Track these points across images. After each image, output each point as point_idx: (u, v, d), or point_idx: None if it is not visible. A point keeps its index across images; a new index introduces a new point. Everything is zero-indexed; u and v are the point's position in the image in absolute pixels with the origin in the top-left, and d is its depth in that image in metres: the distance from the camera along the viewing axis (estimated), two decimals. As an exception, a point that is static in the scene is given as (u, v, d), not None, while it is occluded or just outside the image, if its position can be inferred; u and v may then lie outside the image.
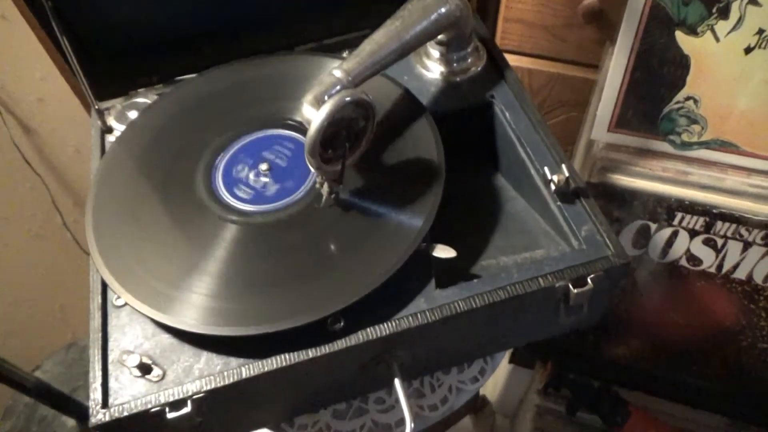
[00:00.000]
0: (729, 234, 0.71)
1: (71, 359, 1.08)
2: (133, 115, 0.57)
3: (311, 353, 0.41)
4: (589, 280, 0.43)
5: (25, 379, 0.88)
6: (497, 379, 1.18)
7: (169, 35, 0.61)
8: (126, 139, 0.54)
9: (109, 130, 0.57)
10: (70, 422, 0.98)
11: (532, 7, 0.85)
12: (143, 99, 0.58)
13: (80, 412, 0.96)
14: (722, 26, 0.61)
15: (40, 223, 1.21)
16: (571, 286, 0.42)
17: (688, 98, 0.67)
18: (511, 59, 0.89)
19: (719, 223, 0.70)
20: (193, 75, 0.59)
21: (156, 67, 0.61)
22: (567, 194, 0.47)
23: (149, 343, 0.43)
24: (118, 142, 0.54)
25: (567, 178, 0.45)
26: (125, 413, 0.40)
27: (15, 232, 1.18)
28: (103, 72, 0.60)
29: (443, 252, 0.44)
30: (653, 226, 0.73)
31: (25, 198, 1.17)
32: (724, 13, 0.60)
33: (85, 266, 0.46)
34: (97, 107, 0.58)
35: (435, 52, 0.57)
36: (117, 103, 0.59)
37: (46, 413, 0.99)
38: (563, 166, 0.47)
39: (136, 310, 0.42)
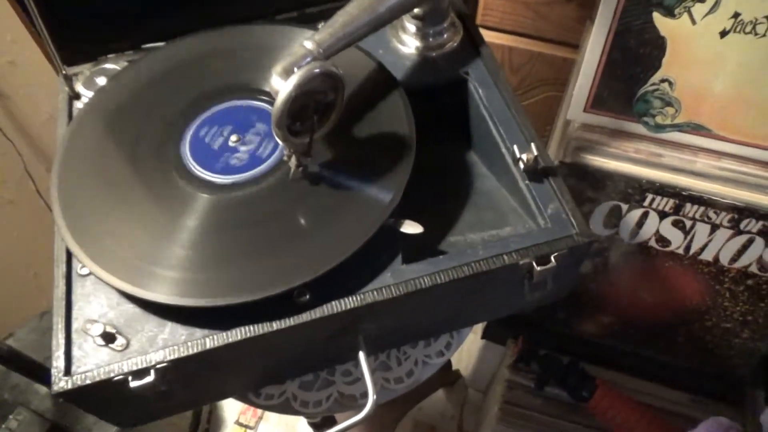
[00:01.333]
0: (697, 216, 0.72)
1: (45, 327, 1.07)
2: (101, 81, 0.55)
3: (276, 325, 0.41)
4: (552, 258, 0.43)
5: (-2, 348, 0.88)
6: (470, 354, 1.20)
7: (141, 0, 0.59)
8: (93, 106, 0.53)
9: (77, 96, 0.56)
10: (43, 389, 0.98)
11: (515, -17, 0.84)
12: (112, 65, 0.57)
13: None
14: (699, 9, 0.61)
15: (13, 190, 1.19)
16: (534, 264, 0.43)
17: (663, 80, 0.68)
18: (492, 36, 0.89)
19: (688, 206, 0.71)
20: (164, 42, 0.58)
21: (126, 33, 0.59)
22: (535, 173, 0.47)
23: (114, 312, 0.43)
24: (86, 109, 0.53)
25: (536, 157, 0.46)
26: (88, 381, 0.40)
27: (-13, 198, 1.16)
28: (72, 36, 0.58)
29: (410, 227, 0.44)
30: (624, 207, 0.74)
31: (-4, 164, 1.14)
32: (701, -5, 0.60)
33: None
34: (64, 72, 0.56)
35: (411, 26, 0.57)
36: (85, 68, 0.57)
37: (18, 381, 0.99)
38: (532, 144, 0.47)
39: (101, 279, 0.42)
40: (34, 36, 0.96)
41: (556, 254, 0.43)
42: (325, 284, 0.42)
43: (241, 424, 1.27)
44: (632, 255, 0.80)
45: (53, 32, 0.54)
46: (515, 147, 0.47)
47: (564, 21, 0.86)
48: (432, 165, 0.50)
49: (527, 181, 0.47)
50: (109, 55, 0.59)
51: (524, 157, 0.46)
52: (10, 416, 0.94)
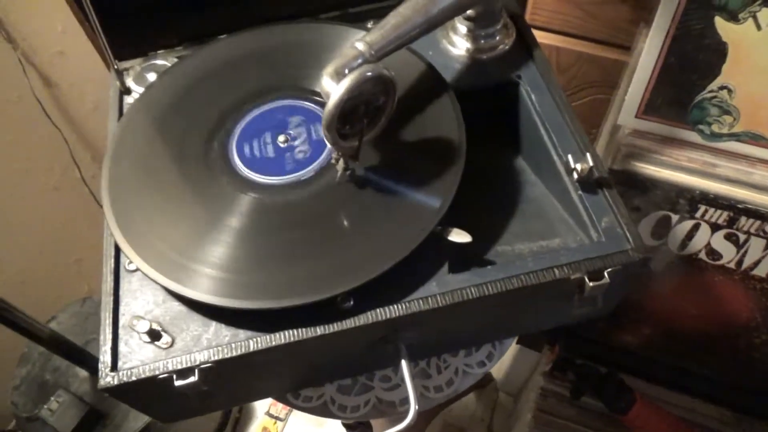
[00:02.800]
0: (752, 230, 0.69)
1: (86, 312, 1.10)
2: (152, 77, 0.56)
3: (319, 330, 0.40)
4: (605, 274, 0.42)
5: (40, 330, 0.90)
6: (504, 357, 1.19)
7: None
8: (144, 102, 0.53)
9: (128, 91, 0.56)
10: (83, 373, 1.01)
11: (566, -18, 0.82)
12: (162, 61, 0.57)
13: (92, 365, 0.98)
14: (765, 14, 0.58)
15: (58, 177, 1.21)
16: (586, 279, 0.42)
17: (722, 87, 0.65)
18: (540, 36, 0.87)
19: (743, 219, 0.68)
20: (214, 39, 0.57)
21: (178, 29, 0.60)
22: (589, 184, 0.46)
23: (159, 309, 0.43)
24: (136, 105, 0.53)
25: (591, 168, 0.44)
26: (133, 378, 0.40)
27: (33, 184, 1.19)
28: (124, 31, 0.58)
29: (458, 236, 0.43)
30: (674, 218, 0.72)
31: (44, 151, 1.17)
32: (768, 0, 0.57)
33: (102, 221, 0.46)
34: (116, 67, 0.57)
35: (462, 27, 0.56)
36: (136, 64, 0.58)
37: (59, 363, 1.02)
38: (588, 154, 0.45)
39: (147, 276, 0.42)
40: (84, 27, 0.98)
41: (609, 270, 0.42)
42: (369, 291, 0.41)
43: (271, 416, 1.28)
44: (680, 266, 0.77)
45: (106, 27, 0.55)
46: (569, 156, 0.46)
47: (615, 22, 0.83)
48: (479, 169, 0.49)
49: (580, 192, 0.46)
50: (159, 51, 0.59)
51: (578, 167, 0.45)
52: (51, 398, 0.96)
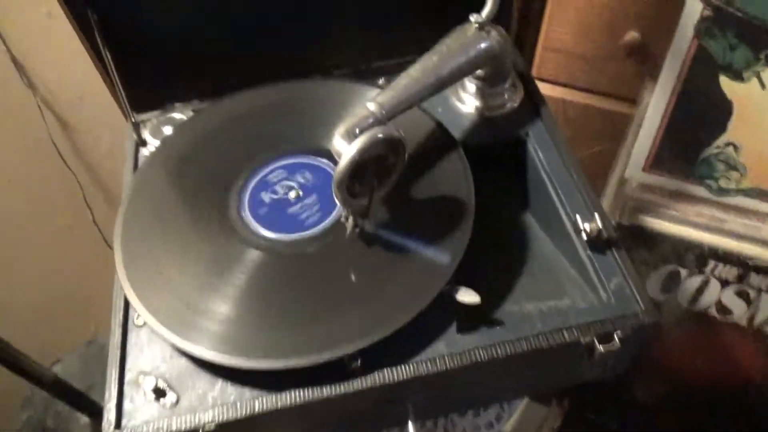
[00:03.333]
0: (763, 287, 0.68)
1: (90, 356, 1.09)
2: (167, 130, 0.57)
3: (326, 392, 0.40)
4: (616, 338, 0.41)
5: (44, 375, 0.89)
6: (511, 407, 1.16)
7: (210, 51, 0.61)
8: (159, 155, 0.54)
9: (144, 143, 0.57)
10: (84, 419, 1.00)
11: (572, 37, 0.83)
12: (179, 114, 0.59)
13: (93, 410, 0.97)
14: (770, 74, 0.59)
15: (70, 217, 1.22)
16: (597, 342, 0.41)
17: (728, 144, 0.66)
18: (547, 88, 0.88)
19: (753, 275, 0.68)
20: (229, 94, 0.59)
21: (195, 83, 0.61)
22: (598, 244, 0.46)
23: (166, 365, 0.43)
24: (151, 157, 0.54)
25: (600, 229, 0.44)
26: (137, 437, 0.40)
27: (45, 225, 1.20)
28: (142, 83, 0.60)
29: (467, 296, 0.43)
30: (683, 273, 0.71)
31: (57, 192, 1.19)
32: (772, 62, 0.59)
33: (112, 263, 0.47)
34: (133, 120, 0.58)
35: (471, 85, 0.57)
36: (153, 116, 0.59)
37: (61, 408, 1.01)
38: (596, 215, 0.45)
39: (156, 332, 0.42)
40: (102, 74, 1.01)
41: (620, 334, 0.41)
42: (376, 350, 0.41)
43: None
44: (689, 321, 0.76)
45: (124, 79, 0.57)
46: (578, 216, 0.46)
47: (621, 75, 0.85)
48: (487, 224, 0.49)
49: (589, 252, 0.46)
50: (176, 104, 0.61)
51: (587, 227, 0.45)
52: (52, 443, 0.95)
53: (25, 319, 1.19)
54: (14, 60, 1.01)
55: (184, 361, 0.43)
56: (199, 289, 0.45)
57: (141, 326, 0.45)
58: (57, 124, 1.12)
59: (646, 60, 0.82)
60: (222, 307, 0.44)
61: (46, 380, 0.90)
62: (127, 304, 0.46)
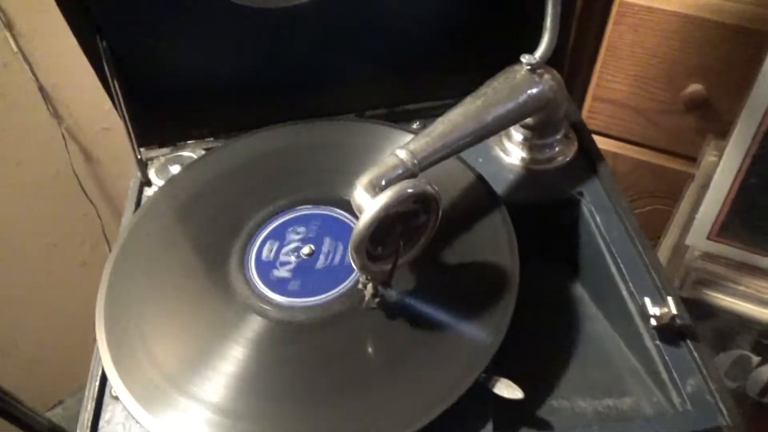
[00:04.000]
0: None
1: (93, 400, 1.03)
2: (175, 169, 0.52)
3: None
4: (694, 458, 0.33)
5: (39, 423, 0.83)
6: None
7: (228, 87, 0.56)
8: (161, 198, 0.48)
9: (148, 183, 0.52)
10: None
11: (627, 88, 0.77)
12: (189, 153, 0.53)
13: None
14: None
15: (88, 252, 1.19)
16: (670, 462, 0.33)
17: (810, 217, 0.57)
18: (596, 140, 0.81)
19: (839, 367, 0.58)
20: (245, 133, 0.53)
21: (209, 120, 0.56)
22: (670, 333, 0.37)
23: (142, 448, 0.36)
24: (153, 199, 0.49)
25: (674, 316, 0.36)
26: None
27: (61, 258, 1.16)
28: (153, 118, 0.55)
29: (508, 390, 0.35)
30: (755, 360, 0.62)
31: (76, 225, 1.16)
32: None
33: None
34: (139, 157, 0.53)
35: (518, 135, 0.50)
36: (161, 154, 0.54)
37: (56, 458, 0.94)
38: (669, 298, 0.37)
39: (131, 414, 0.35)
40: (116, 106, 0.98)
41: (699, 452, 0.33)
42: (393, 450, 0.33)
43: None
44: (759, 416, 0.66)
45: (135, 112, 0.52)
46: (646, 299, 0.38)
47: (679, 131, 0.78)
48: (529, 296, 0.42)
49: (658, 342, 0.38)
50: (189, 141, 0.55)
51: (657, 311, 0.37)
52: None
53: (31, 356, 1.14)
54: (41, 89, 0.99)
55: (162, 447, 0.36)
56: (188, 360, 0.38)
57: (117, 399, 0.38)
58: (80, 154, 1.10)
59: (709, 115, 0.75)
60: (212, 385, 0.36)
61: (39, 428, 0.84)
62: (104, 374, 0.39)
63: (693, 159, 0.75)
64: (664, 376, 0.37)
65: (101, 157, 1.14)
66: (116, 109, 0.51)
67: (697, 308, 0.63)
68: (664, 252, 0.73)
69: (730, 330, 0.62)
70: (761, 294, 0.61)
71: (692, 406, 0.35)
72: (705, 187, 0.62)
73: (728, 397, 0.35)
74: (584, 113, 0.82)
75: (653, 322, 0.37)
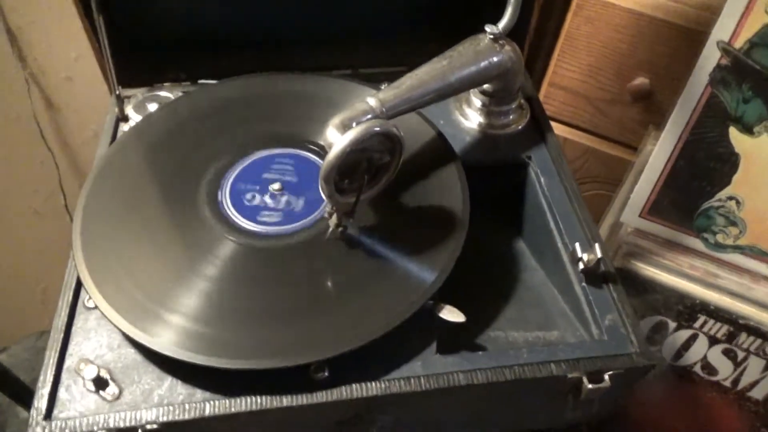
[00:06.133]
0: (752, 349, 0.66)
1: (40, 347, 1.03)
2: (152, 107, 0.54)
3: (286, 401, 0.36)
4: (606, 377, 0.38)
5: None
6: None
7: (208, 35, 0.58)
8: (138, 132, 0.51)
9: (125, 118, 0.54)
10: (24, 413, 0.93)
11: (580, 76, 0.82)
12: (166, 93, 0.56)
13: (35, 405, 0.90)
14: (781, 129, 0.58)
15: (42, 202, 1.17)
16: (585, 380, 0.38)
17: (730, 198, 0.64)
18: (549, 124, 0.87)
19: (743, 335, 0.65)
20: (222, 80, 0.56)
21: (188, 65, 0.58)
22: (595, 276, 0.43)
23: (112, 354, 0.39)
24: (130, 132, 0.51)
25: (599, 260, 0.41)
26: (67, 430, 0.35)
27: (15, 206, 1.15)
28: (132, 58, 0.57)
29: (452, 315, 0.39)
30: (671, 325, 0.69)
31: (32, 173, 1.14)
32: (784, 116, 0.57)
33: None
34: (118, 93, 0.55)
35: (477, 101, 0.54)
36: (139, 92, 0.56)
37: (1, 401, 0.94)
38: (596, 245, 0.43)
39: (105, 315, 0.38)
40: (97, 54, 0.97)
41: (610, 373, 0.38)
42: (346, 362, 0.37)
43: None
44: (671, 378, 0.73)
45: (115, 51, 0.53)
46: (576, 245, 0.43)
47: (624, 121, 0.84)
48: (477, 247, 0.46)
49: (584, 284, 0.43)
50: (165, 83, 0.58)
51: (585, 257, 0.42)
52: (-15, 437, 0.88)
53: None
54: (8, 30, 0.97)
55: (133, 352, 0.39)
56: (159, 275, 0.41)
57: (91, 309, 0.41)
58: (42, 101, 1.09)
59: (652, 107, 0.81)
60: (182, 297, 0.40)
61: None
62: (79, 283, 0.42)
63: (635, 148, 0.81)
64: (587, 314, 0.42)
65: (62, 106, 1.13)
66: (99, 44, 0.53)
67: (625, 277, 0.69)
68: (602, 231, 0.79)
69: (652, 298, 0.69)
70: (683, 268, 0.68)
71: (608, 336, 0.40)
72: (642, 172, 0.68)
73: (640, 330, 0.41)
74: (540, 97, 0.87)
75: (581, 265, 0.43)
